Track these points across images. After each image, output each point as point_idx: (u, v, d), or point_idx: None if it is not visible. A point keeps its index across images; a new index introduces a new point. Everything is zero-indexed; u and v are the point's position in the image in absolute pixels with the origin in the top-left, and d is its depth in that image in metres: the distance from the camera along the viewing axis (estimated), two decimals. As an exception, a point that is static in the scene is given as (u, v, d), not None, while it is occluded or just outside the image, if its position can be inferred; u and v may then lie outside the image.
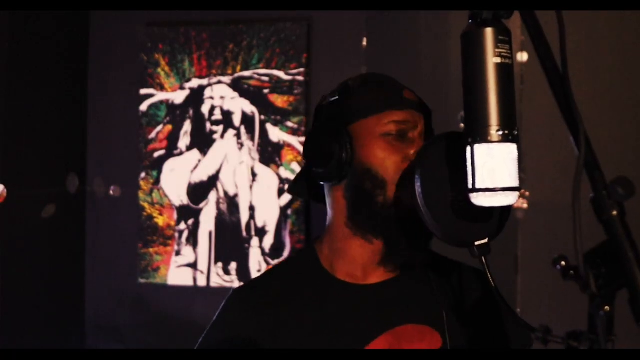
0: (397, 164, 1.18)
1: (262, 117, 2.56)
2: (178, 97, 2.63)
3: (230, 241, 2.58)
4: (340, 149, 1.19)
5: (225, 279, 2.57)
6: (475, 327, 1.27)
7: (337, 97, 1.26)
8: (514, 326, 1.28)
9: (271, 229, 2.55)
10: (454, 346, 1.21)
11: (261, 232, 2.56)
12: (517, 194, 0.88)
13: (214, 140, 2.60)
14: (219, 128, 2.59)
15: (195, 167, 2.62)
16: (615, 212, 0.84)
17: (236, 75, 2.58)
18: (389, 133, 1.19)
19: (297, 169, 2.51)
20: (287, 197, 2.54)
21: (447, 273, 1.29)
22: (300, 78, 2.52)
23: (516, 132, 0.87)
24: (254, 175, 2.56)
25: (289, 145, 2.53)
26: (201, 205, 2.61)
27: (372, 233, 1.22)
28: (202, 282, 2.59)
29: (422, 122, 1.22)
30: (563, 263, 0.86)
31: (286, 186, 2.52)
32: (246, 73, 2.57)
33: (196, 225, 2.62)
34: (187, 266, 2.61)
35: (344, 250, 1.24)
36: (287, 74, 2.54)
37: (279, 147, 2.54)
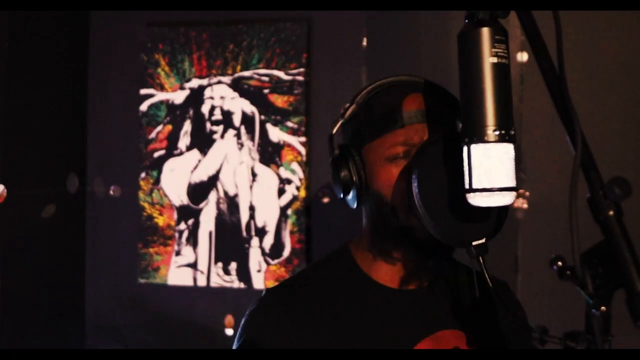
0: (404, 189, 1.17)
1: (262, 117, 2.56)
2: (178, 97, 2.63)
3: (230, 241, 2.58)
4: (352, 176, 1.21)
5: (225, 279, 2.57)
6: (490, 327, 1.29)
7: (344, 121, 1.26)
8: (513, 326, 1.29)
9: (271, 229, 2.55)
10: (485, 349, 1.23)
11: (261, 232, 2.56)
12: (514, 193, 0.89)
13: (214, 140, 2.60)
14: (219, 128, 2.59)
15: (195, 167, 2.62)
16: (611, 212, 0.84)
17: (236, 75, 2.58)
18: (395, 156, 1.19)
19: (298, 169, 2.51)
20: (287, 197, 2.54)
21: (469, 279, 1.30)
22: (300, 78, 2.52)
23: (513, 132, 0.87)
24: (254, 175, 2.56)
25: (289, 145, 2.53)
26: (201, 205, 2.61)
27: (392, 256, 1.23)
28: (202, 282, 2.59)
29: (434, 131, 1.19)
30: (560, 263, 0.86)
31: (286, 186, 2.52)
32: (246, 73, 2.57)
33: (196, 225, 2.62)
34: (187, 266, 2.61)
35: (374, 267, 1.26)
36: (287, 74, 2.54)
37: (279, 147, 2.54)
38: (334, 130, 1.26)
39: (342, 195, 1.26)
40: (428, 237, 1.12)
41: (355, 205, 1.25)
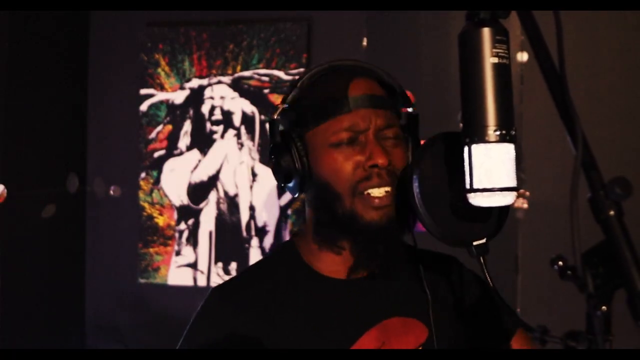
0: (349, 174, 1.16)
1: (262, 117, 2.56)
2: (178, 97, 2.63)
3: (230, 241, 2.58)
4: (295, 163, 1.18)
5: (225, 279, 2.57)
6: (466, 318, 1.27)
7: (287, 107, 1.24)
8: (506, 319, 1.28)
9: (271, 229, 2.55)
10: (440, 337, 1.21)
11: (261, 232, 2.56)
12: (514, 194, 0.88)
13: (214, 140, 2.60)
14: (219, 128, 2.59)
15: (195, 167, 2.62)
16: (612, 212, 0.84)
17: (236, 75, 2.58)
18: (339, 142, 1.17)
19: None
20: (287, 197, 2.54)
21: (432, 266, 1.28)
22: (300, 78, 2.52)
23: (513, 132, 0.87)
24: (254, 175, 2.56)
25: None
26: (201, 205, 2.61)
27: (338, 245, 1.21)
28: (202, 282, 2.59)
29: (379, 116, 1.17)
30: (560, 263, 0.86)
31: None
32: (246, 73, 2.57)
33: (196, 225, 2.62)
34: (187, 266, 2.61)
35: (320, 262, 1.24)
36: (287, 74, 2.54)
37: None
38: (275, 116, 1.23)
39: (283, 184, 1.24)
40: (374, 222, 1.11)
41: (297, 194, 1.23)
